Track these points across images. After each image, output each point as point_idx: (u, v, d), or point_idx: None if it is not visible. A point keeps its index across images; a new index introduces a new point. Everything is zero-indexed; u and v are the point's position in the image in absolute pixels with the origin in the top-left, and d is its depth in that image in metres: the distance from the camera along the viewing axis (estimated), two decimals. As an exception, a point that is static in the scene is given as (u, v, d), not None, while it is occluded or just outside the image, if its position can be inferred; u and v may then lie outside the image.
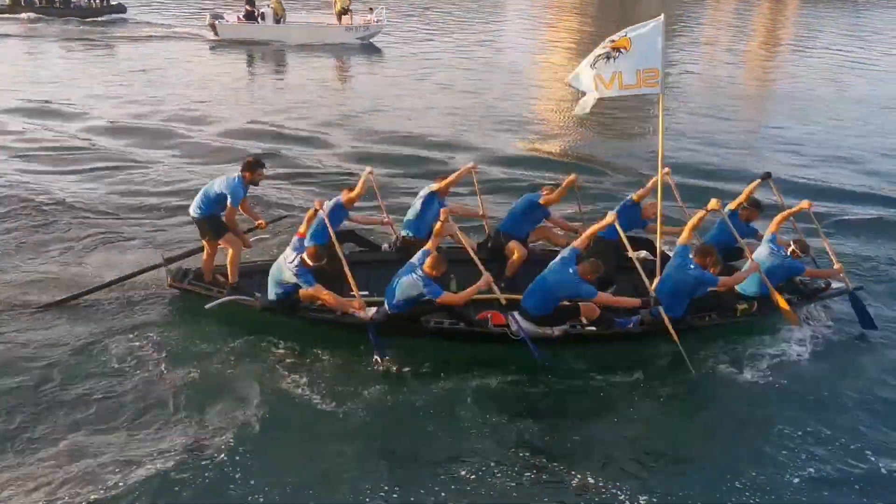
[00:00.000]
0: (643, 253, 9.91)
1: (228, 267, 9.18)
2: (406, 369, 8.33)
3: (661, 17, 8.98)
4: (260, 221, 9.67)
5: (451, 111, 21.73)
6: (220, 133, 18.22)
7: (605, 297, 8.49)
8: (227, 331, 8.87)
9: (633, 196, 10.27)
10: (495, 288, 8.57)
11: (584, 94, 9.21)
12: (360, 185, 9.83)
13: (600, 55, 9.04)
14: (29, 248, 10.86)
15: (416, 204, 10.15)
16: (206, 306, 8.87)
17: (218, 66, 27.37)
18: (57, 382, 7.92)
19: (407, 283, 8.35)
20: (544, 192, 10.17)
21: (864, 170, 17.47)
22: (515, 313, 8.53)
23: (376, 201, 10.81)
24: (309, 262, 8.34)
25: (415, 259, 8.55)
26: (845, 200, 14.75)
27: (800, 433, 7.59)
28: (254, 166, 9.11)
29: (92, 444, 7.04)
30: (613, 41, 9.05)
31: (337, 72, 28.87)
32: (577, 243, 8.82)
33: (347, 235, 10.17)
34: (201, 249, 9.48)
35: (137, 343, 8.63)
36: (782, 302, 8.83)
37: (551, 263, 8.63)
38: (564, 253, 8.64)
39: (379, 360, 8.33)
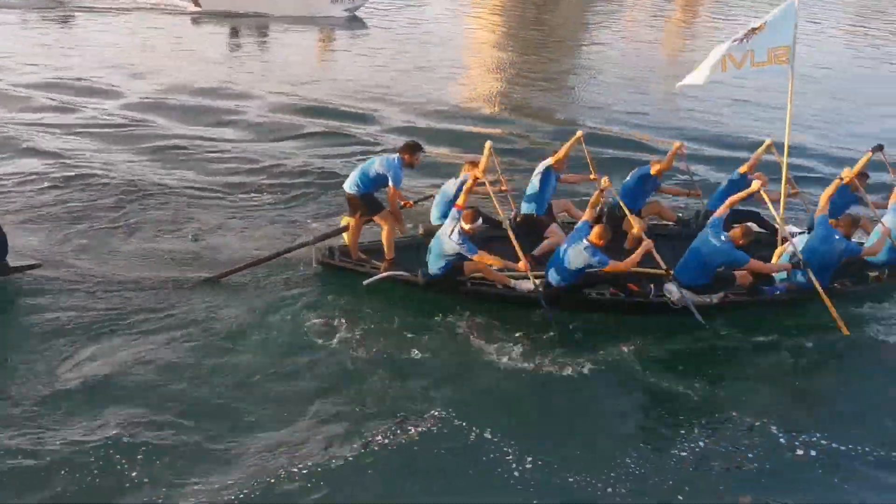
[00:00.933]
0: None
1: (384, 243, 9.22)
2: (566, 339, 8.60)
3: (796, -1, 9.36)
4: (408, 202, 9.74)
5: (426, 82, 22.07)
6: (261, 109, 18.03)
7: (757, 263, 8.85)
8: (383, 307, 8.95)
9: (741, 169, 10.69)
10: (657, 256, 8.77)
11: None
12: (483, 160, 9.89)
13: (735, 39, 9.39)
14: (155, 230, 10.82)
15: (535, 181, 10.29)
16: (365, 282, 8.95)
17: (203, 40, 26.78)
18: (217, 361, 7.90)
19: (574, 254, 8.58)
20: (653, 164, 10.52)
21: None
22: (673, 284, 8.86)
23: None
24: (466, 226, 8.51)
25: (578, 230, 8.80)
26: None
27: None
28: (414, 149, 9.22)
29: (254, 426, 7.02)
30: (753, 28, 9.41)
31: (323, 45, 28.59)
32: (718, 213, 9.15)
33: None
34: (347, 227, 9.53)
35: (298, 319, 8.65)
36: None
37: (700, 235, 8.98)
38: (710, 222, 8.99)
39: (552, 322, 8.57)
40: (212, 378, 7.63)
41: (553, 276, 8.79)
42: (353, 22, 31.88)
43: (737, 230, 8.81)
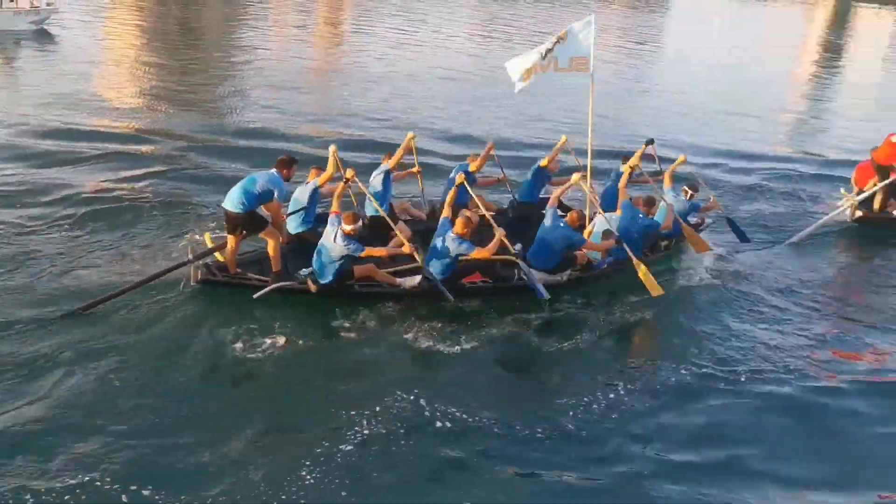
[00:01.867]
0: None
1: (271, 257, 9.26)
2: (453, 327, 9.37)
3: (593, 16, 11.11)
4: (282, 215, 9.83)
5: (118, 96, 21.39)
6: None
7: (591, 243, 10.44)
8: (272, 316, 9.04)
9: (541, 163, 12.22)
10: (508, 244, 9.76)
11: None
12: (330, 165, 10.03)
13: (549, 49, 10.93)
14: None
15: (376, 183, 10.89)
16: (255, 295, 8.99)
17: None
18: (108, 390, 7.64)
19: (449, 245, 9.45)
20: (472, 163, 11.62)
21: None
22: (527, 268, 10.05)
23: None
24: (347, 227, 8.98)
25: (442, 225, 9.73)
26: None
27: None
28: (289, 164, 9.37)
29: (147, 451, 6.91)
30: (559, 36, 11.00)
31: (3, 59, 25.95)
32: (551, 203, 10.61)
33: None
34: (225, 245, 9.40)
35: (185, 341, 8.56)
36: (694, 236, 11.46)
37: (543, 224, 10.30)
38: (549, 213, 10.35)
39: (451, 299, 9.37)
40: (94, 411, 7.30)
41: (434, 268, 9.55)
42: (41, 35, 29.12)
43: (573, 214, 10.25)
